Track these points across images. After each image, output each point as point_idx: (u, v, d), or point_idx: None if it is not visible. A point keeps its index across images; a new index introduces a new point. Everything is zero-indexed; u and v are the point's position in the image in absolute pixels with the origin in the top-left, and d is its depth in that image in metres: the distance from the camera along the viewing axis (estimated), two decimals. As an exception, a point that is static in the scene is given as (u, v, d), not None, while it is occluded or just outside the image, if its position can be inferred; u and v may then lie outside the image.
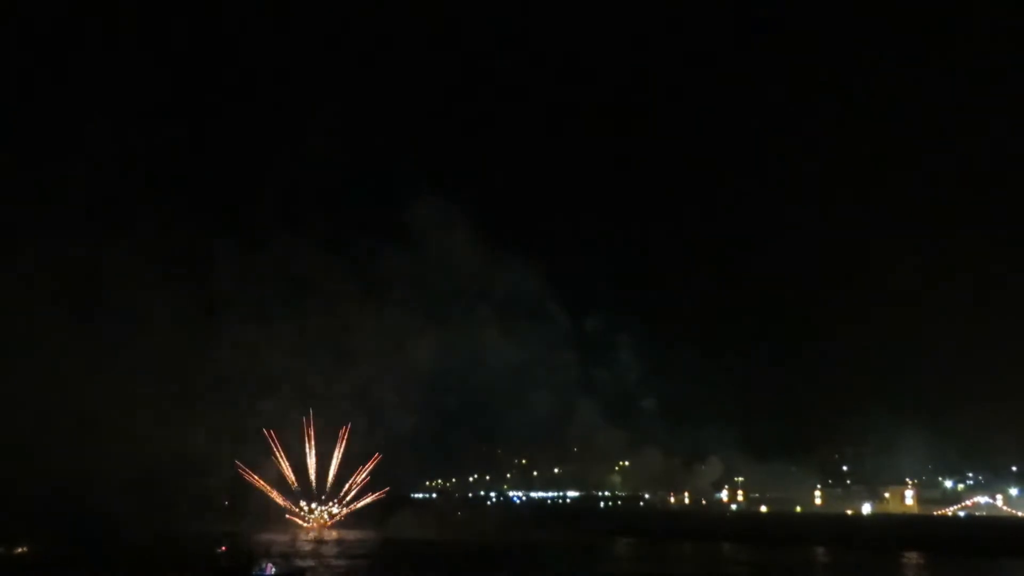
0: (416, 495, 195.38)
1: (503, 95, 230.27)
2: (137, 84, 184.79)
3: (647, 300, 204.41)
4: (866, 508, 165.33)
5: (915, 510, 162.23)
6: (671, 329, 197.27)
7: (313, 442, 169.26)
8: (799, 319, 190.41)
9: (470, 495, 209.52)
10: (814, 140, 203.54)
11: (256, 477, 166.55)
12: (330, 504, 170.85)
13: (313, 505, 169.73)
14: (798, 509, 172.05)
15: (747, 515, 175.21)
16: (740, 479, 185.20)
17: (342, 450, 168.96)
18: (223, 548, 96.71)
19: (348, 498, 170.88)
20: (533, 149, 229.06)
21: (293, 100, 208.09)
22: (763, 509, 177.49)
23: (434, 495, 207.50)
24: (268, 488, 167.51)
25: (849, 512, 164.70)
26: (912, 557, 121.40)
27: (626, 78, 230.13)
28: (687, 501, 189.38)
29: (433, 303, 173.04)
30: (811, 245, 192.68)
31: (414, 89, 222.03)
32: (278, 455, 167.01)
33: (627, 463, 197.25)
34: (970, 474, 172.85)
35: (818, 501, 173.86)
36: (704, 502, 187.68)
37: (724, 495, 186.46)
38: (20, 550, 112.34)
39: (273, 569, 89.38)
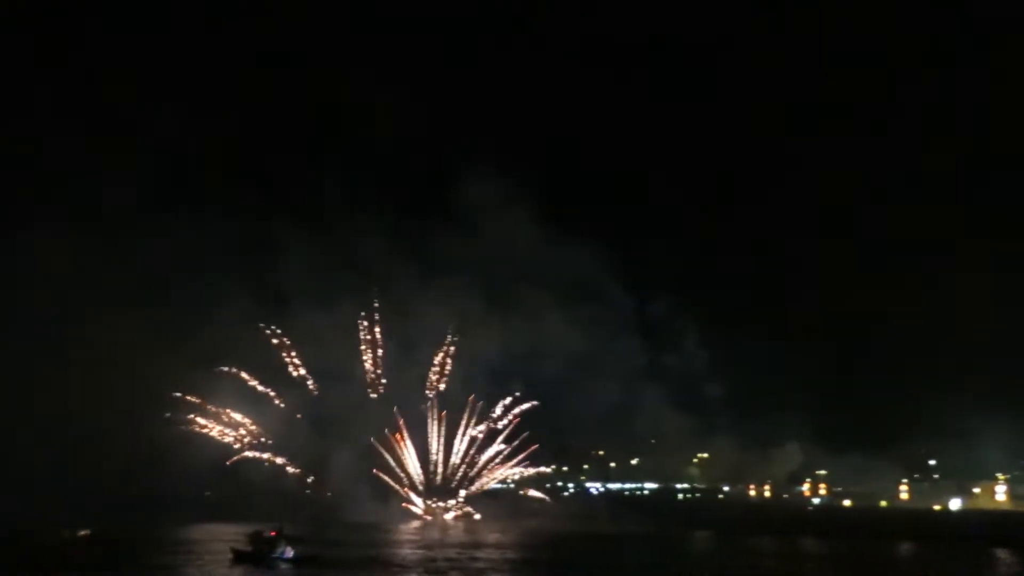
0: (494, 485, 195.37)
1: (565, 71, 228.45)
2: (198, 73, 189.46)
3: (714, 284, 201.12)
4: (955, 504, 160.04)
5: (1007, 506, 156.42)
6: (739, 314, 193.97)
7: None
8: (876, 302, 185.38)
9: (547, 486, 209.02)
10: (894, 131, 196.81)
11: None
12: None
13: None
14: (883, 504, 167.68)
15: (830, 509, 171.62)
16: (823, 472, 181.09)
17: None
18: (272, 533, 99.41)
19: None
20: (596, 127, 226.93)
21: (351, 84, 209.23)
22: (846, 503, 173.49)
23: (511, 485, 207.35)
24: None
25: (937, 507, 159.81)
26: (1003, 555, 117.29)
27: (699, 54, 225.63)
28: (767, 494, 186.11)
29: (493, 288, 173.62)
30: (889, 227, 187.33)
31: (473, 67, 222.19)
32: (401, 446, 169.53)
33: (705, 455, 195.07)
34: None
35: (904, 496, 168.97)
36: (785, 496, 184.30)
37: (806, 488, 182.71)
38: (83, 533, 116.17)
39: (292, 552, 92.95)
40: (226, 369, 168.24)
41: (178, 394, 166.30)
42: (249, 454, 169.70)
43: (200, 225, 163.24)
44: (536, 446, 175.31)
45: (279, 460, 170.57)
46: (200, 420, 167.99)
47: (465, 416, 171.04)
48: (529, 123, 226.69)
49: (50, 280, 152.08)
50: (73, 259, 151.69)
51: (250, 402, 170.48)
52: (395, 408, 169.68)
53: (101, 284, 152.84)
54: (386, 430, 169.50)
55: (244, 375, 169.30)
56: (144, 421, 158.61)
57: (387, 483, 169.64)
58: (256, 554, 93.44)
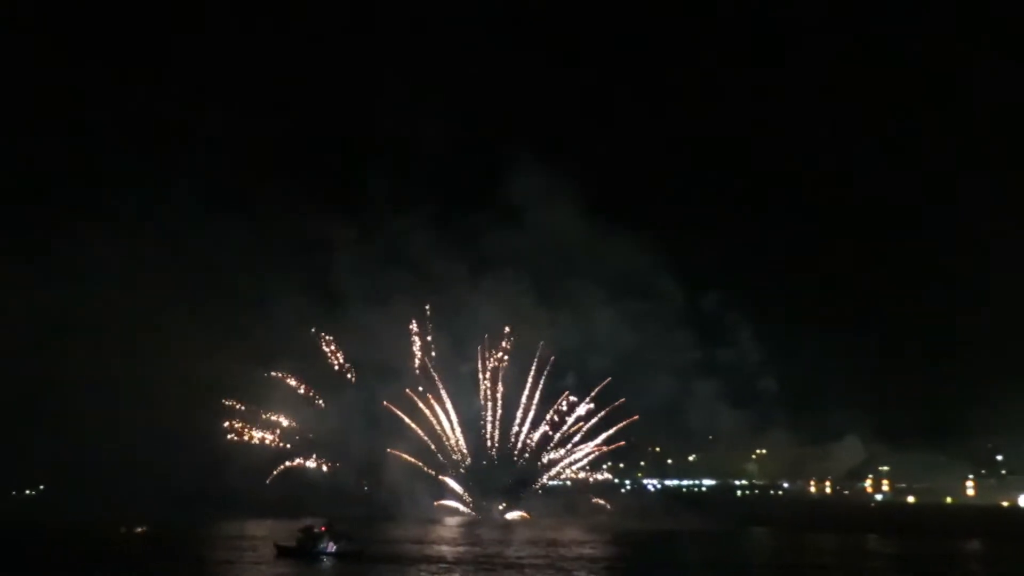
0: (552, 482, 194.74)
1: (609, 64, 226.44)
2: (249, 75, 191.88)
3: (769, 276, 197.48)
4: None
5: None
6: (795, 307, 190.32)
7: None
8: (939, 295, 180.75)
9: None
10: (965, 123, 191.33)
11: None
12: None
13: None
14: (948, 500, 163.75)
15: (893, 506, 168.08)
16: (885, 468, 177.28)
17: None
18: (322, 528, 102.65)
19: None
20: (643, 118, 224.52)
21: (398, 78, 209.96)
22: (910, 500, 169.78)
23: (568, 483, 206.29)
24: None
25: (1005, 504, 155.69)
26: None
27: (746, 43, 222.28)
28: (828, 491, 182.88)
29: (543, 282, 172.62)
30: (956, 214, 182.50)
31: (517, 60, 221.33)
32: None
33: (763, 451, 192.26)
34: None
35: (970, 492, 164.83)
36: (846, 492, 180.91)
37: (867, 485, 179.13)
38: (140, 530, 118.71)
39: (334, 547, 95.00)
40: (278, 375, 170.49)
41: (232, 403, 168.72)
42: (300, 460, 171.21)
43: (251, 227, 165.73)
44: (623, 443, 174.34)
45: (327, 466, 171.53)
46: (254, 431, 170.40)
47: (533, 369, 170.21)
48: (576, 115, 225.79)
49: (111, 281, 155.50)
50: (132, 261, 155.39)
51: (302, 401, 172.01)
52: (430, 366, 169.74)
53: (158, 285, 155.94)
54: (407, 389, 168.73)
55: (293, 381, 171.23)
56: (203, 421, 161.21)
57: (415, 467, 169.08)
58: (299, 549, 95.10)
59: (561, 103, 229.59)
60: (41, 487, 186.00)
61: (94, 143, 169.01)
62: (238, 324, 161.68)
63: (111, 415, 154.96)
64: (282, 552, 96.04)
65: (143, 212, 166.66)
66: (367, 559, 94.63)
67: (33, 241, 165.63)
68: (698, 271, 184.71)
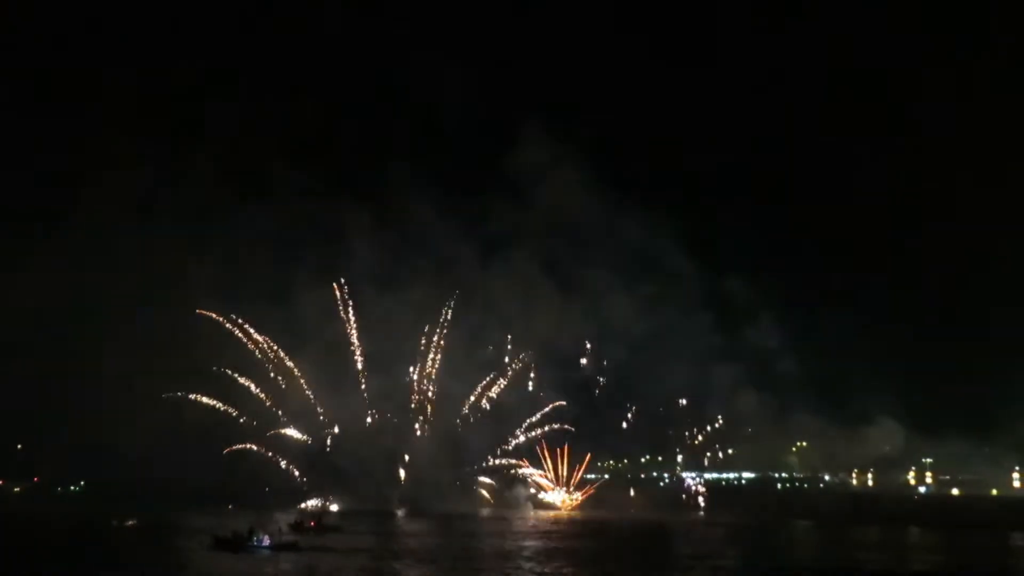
0: (587, 476, 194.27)
1: (625, 26, 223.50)
2: (264, 60, 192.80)
3: (792, 258, 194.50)
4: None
5: None
6: (821, 290, 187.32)
7: None
8: (976, 279, 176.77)
9: (642, 476, 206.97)
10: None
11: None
12: None
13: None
14: (994, 492, 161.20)
15: (937, 498, 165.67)
16: (928, 460, 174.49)
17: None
18: (312, 524, 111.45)
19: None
20: (661, 85, 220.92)
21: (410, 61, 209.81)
22: (955, 492, 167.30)
23: (606, 476, 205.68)
24: None
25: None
26: None
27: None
28: (870, 483, 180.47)
29: (556, 263, 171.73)
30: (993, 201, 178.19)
31: (529, 22, 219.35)
32: None
33: (804, 443, 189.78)
34: None
35: (1016, 484, 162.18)
36: (889, 484, 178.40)
37: (911, 477, 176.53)
38: (130, 522, 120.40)
39: (268, 540, 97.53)
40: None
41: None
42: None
43: (267, 215, 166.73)
44: None
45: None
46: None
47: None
48: (591, 90, 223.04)
49: (119, 273, 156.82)
50: (145, 252, 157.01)
51: (328, 391, 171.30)
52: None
53: (173, 276, 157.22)
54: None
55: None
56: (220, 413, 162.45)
57: None
58: (234, 541, 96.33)
59: (575, 73, 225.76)
60: (82, 483, 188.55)
61: (108, 129, 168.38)
62: (259, 313, 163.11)
63: (133, 409, 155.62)
64: (218, 544, 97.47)
65: (158, 199, 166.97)
66: (302, 550, 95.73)
67: (47, 227, 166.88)
68: (720, 253, 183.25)
